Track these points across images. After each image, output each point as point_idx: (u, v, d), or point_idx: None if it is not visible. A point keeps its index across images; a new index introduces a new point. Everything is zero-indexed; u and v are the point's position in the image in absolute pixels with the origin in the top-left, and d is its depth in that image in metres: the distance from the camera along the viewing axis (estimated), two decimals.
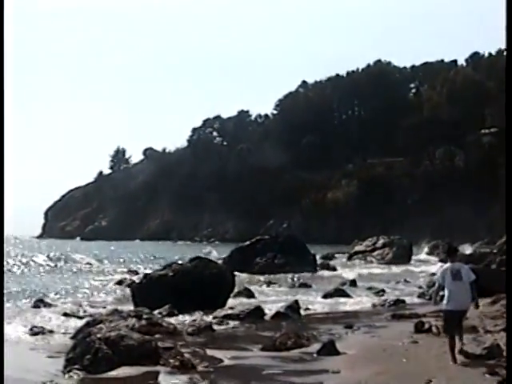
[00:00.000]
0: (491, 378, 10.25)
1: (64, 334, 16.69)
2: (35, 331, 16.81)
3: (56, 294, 26.47)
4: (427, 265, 46.77)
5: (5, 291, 23.46)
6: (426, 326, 15.75)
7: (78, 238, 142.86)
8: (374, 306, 23.66)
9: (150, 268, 38.85)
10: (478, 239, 75.05)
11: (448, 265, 12.28)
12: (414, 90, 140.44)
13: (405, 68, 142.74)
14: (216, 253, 50.20)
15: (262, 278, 34.68)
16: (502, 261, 26.51)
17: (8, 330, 16.34)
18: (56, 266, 45.41)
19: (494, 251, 34.71)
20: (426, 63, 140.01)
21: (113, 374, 11.79)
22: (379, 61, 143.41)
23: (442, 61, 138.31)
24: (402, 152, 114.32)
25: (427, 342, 14.32)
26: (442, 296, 12.17)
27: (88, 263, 47.84)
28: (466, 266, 12.63)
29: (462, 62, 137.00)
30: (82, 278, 35.16)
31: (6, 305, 21.48)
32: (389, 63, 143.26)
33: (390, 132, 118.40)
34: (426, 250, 58.90)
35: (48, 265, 45.50)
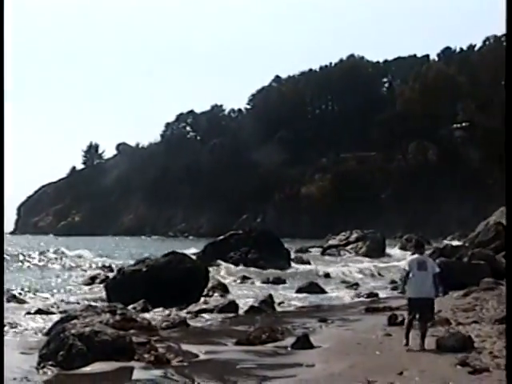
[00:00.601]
0: (462, 369, 10.37)
1: (37, 330, 16.61)
2: (8, 327, 16.71)
3: (29, 290, 26.29)
4: (400, 259, 47.06)
5: None
6: (399, 318, 15.86)
7: (52, 235, 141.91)
8: (347, 299, 23.81)
9: (124, 263, 38.69)
10: (450, 233, 75.81)
11: (415, 256, 13.08)
12: (386, 85, 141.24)
13: (377, 63, 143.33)
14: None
15: (235, 272, 34.68)
16: (474, 254, 26.85)
17: None
18: (30, 262, 45.05)
19: (466, 245, 35.13)
20: (398, 58, 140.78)
21: (87, 369, 11.74)
22: (352, 55, 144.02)
23: (415, 55, 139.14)
24: (375, 146, 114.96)
25: (400, 334, 14.38)
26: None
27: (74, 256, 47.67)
28: (432, 260, 13.81)
29: (434, 56, 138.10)
30: (54, 274, 34.94)
31: None
32: (362, 58, 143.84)
33: (363, 126, 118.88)
34: (399, 244, 59.22)
35: (25, 260, 45.09)
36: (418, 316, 12.80)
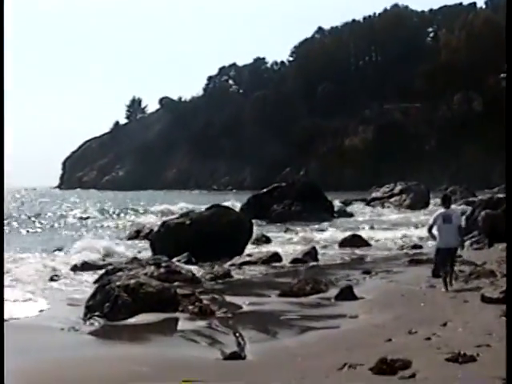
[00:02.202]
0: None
1: (84, 282, 16.88)
2: (55, 280, 17.04)
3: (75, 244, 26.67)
4: None
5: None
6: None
7: (94, 189, 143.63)
8: (391, 251, 23.73)
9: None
10: (496, 184, 74.67)
11: (442, 210, 14.57)
12: (431, 35, 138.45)
13: (422, 12, 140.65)
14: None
15: (279, 225, 34.76)
16: None
17: (28, 279, 16.67)
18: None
19: None
20: (444, 6, 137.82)
21: (132, 320, 11.94)
22: (396, 5, 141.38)
23: (461, 4, 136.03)
24: (420, 97, 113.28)
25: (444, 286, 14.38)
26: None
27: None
28: (458, 212, 15.62)
29: (481, 4, 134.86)
30: (99, 229, 35.43)
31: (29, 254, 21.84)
32: (406, 7, 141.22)
33: (407, 77, 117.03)
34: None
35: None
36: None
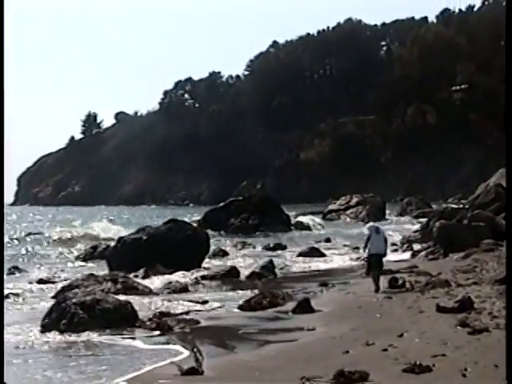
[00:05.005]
0: (462, 329, 10.41)
1: (39, 299, 16.65)
2: (10, 297, 16.76)
3: (30, 261, 26.37)
4: (400, 222, 47.10)
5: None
6: (400, 281, 15.97)
7: (53, 206, 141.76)
8: (348, 263, 23.87)
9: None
10: (451, 195, 75.83)
11: (372, 223, 18.43)
12: (384, 48, 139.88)
13: (375, 26, 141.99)
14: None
15: (236, 239, 34.72)
16: (473, 216, 26.78)
17: None
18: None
19: (466, 207, 35.10)
20: (396, 20, 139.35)
21: (89, 337, 11.82)
22: (350, 19, 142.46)
23: (413, 18, 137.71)
24: (374, 110, 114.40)
25: (401, 297, 14.53)
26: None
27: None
28: (382, 227, 18.38)
29: (432, 18, 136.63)
30: (53, 247, 34.88)
31: None
32: (359, 21, 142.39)
33: (361, 90, 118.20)
34: (399, 208, 59.10)
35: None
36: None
